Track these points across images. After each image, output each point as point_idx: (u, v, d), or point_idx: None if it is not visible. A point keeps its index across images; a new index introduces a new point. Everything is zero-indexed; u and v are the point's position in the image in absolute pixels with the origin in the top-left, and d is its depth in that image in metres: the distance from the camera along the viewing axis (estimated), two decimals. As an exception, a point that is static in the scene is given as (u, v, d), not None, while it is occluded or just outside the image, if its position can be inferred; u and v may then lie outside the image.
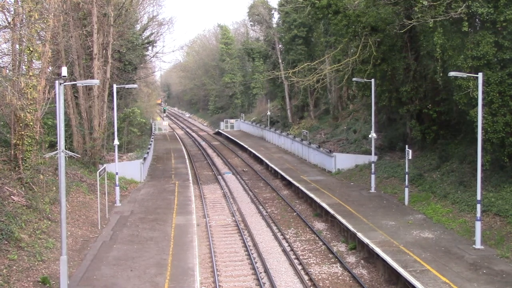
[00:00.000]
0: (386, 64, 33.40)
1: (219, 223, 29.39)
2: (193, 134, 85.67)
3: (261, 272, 21.30)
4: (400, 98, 33.80)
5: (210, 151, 62.77)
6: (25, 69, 23.96)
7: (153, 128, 78.45)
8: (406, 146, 28.81)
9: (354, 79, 33.99)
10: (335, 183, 36.15)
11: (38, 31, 25.61)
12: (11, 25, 22.76)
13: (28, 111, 22.76)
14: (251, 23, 74.05)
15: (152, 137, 64.06)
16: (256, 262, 22.50)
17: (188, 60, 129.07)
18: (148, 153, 45.11)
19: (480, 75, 20.91)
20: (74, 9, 34.95)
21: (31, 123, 23.58)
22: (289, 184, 39.13)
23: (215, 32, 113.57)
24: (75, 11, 35.24)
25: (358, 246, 23.93)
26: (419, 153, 34.24)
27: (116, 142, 29.79)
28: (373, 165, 32.53)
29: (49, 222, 22.12)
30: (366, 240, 22.38)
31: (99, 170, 26.46)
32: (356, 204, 29.10)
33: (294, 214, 31.45)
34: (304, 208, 32.86)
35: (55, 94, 18.85)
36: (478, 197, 20.91)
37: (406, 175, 28.38)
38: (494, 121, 23.61)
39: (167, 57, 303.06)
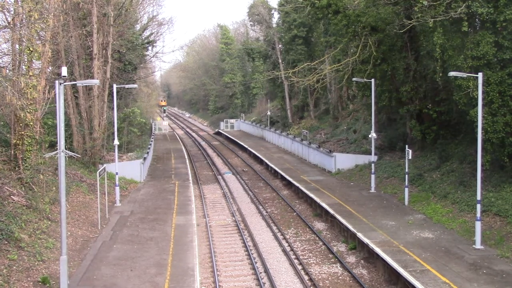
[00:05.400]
0: (386, 64, 33.39)
1: (219, 223, 29.39)
2: (193, 134, 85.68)
3: (261, 272, 21.30)
4: (400, 98, 33.81)
5: (210, 151, 62.78)
6: (25, 69, 23.94)
7: (153, 128, 78.46)
8: (406, 146, 28.80)
9: (354, 79, 33.99)
10: (335, 183, 36.14)
11: (38, 31, 25.60)
12: (11, 25, 22.75)
13: (28, 111, 22.75)
14: (251, 23, 74.06)
15: (152, 137, 64.08)
16: (256, 262, 22.50)
17: (188, 60, 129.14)
18: (148, 153, 45.12)
19: (480, 75, 20.91)
20: (74, 9, 34.94)
21: (31, 123, 23.57)
22: (289, 184, 39.13)
23: (215, 32, 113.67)
24: (75, 11, 35.23)
25: (358, 246, 23.93)
26: (419, 153, 34.25)
27: (116, 142, 29.79)
28: (373, 165, 32.53)
29: (49, 222, 22.11)
30: (366, 240, 22.38)
31: (99, 170, 26.45)
32: (356, 204, 29.10)
33: (294, 214, 31.45)
34: (304, 208, 32.86)
35: (55, 94, 18.85)
36: (478, 197, 20.91)
37: (406, 175, 28.38)
38: (494, 121, 23.60)
39: (167, 57, 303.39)
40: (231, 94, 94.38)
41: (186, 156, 54.11)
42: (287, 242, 25.67)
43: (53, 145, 30.70)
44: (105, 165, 30.99)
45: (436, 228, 23.88)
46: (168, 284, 17.72)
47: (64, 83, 15.91)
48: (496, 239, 21.25)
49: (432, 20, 24.78)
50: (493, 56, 23.57)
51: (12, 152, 23.77)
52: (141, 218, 26.89)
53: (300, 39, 60.54)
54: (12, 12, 23.35)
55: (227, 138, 74.21)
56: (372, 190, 32.24)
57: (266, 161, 47.97)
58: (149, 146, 50.32)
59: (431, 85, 32.55)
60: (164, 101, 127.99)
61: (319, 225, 28.86)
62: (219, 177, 44.37)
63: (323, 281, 20.71)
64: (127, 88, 39.85)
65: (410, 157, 28.22)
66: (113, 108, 30.64)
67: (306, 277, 20.83)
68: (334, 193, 32.31)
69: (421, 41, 30.35)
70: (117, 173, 29.86)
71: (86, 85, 35.00)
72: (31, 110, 23.14)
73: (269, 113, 71.51)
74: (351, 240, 24.83)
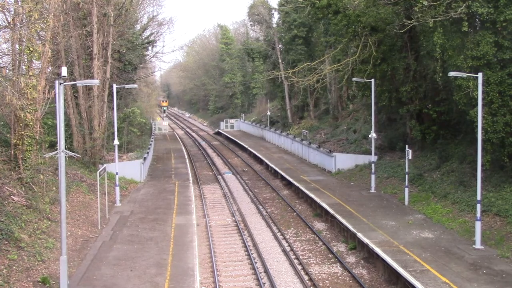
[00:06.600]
0: (386, 64, 33.39)
1: (219, 223, 29.39)
2: (193, 134, 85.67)
3: (261, 272, 21.30)
4: (400, 98, 33.80)
5: (210, 151, 62.78)
6: (25, 69, 23.94)
7: (153, 128, 78.45)
8: (406, 146, 28.80)
9: (354, 79, 33.99)
10: (335, 183, 36.14)
11: (38, 31, 25.59)
12: (11, 25, 22.75)
13: (28, 111, 22.75)
14: (251, 23, 74.02)
15: (152, 137, 64.07)
16: (256, 262, 22.50)
17: (188, 60, 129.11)
18: (148, 153, 45.10)
19: (480, 75, 20.91)
20: (74, 9, 34.93)
21: (31, 123, 23.57)
22: (289, 184, 39.13)
23: (215, 32, 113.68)
24: (75, 11, 35.23)
25: (358, 246, 23.93)
26: (419, 153, 34.24)
27: (116, 142, 29.79)
28: (373, 165, 32.53)
29: (49, 222, 22.11)
30: (366, 240, 22.38)
31: (99, 170, 26.45)
32: (356, 204, 29.10)
33: (294, 214, 31.45)
34: (304, 208, 32.86)
35: (55, 94, 18.84)
36: (478, 197, 20.91)
37: (406, 175, 28.38)
38: (494, 121, 23.61)
39: (167, 57, 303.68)
40: (231, 94, 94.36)
41: (186, 156, 54.11)
42: (287, 242, 25.67)
43: (53, 145, 30.69)
44: (105, 165, 31.00)
45: (436, 228, 23.89)
46: (168, 284, 17.72)
47: (64, 83, 15.91)
48: (496, 239, 21.26)
49: (432, 20, 24.77)
50: (493, 56, 23.58)
51: (12, 152, 23.77)
52: (141, 218, 26.89)
53: (300, 39, 60.51)
54: (12, 12, 23.35)
55: (227, 138, 74.21)
56: (372, 190, 32.24)
57: (266, 161, 47.97)
58: (149, 146, 50.32)
59: (431, 85, 32.53)
60: (166, 101, 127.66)
61: (319, 225, 28.87)
62: (219, 177, 44.37)
63: (323, 281, 20.70)
64: (127, 88, 39.82)
65: (410, 157, 28.22)
66: (113, 108, 30.64)
67: (306, 277, 20.83)
68: (334, 193, 32.31)
69: (421, 41, 30.32)
70: (117, 173, 29.86)
71: (86, 85, 34.99)
72: (31, 110, 23.13)
73: (269, 113, 71.51)
74: (351, 240, 24.82)
